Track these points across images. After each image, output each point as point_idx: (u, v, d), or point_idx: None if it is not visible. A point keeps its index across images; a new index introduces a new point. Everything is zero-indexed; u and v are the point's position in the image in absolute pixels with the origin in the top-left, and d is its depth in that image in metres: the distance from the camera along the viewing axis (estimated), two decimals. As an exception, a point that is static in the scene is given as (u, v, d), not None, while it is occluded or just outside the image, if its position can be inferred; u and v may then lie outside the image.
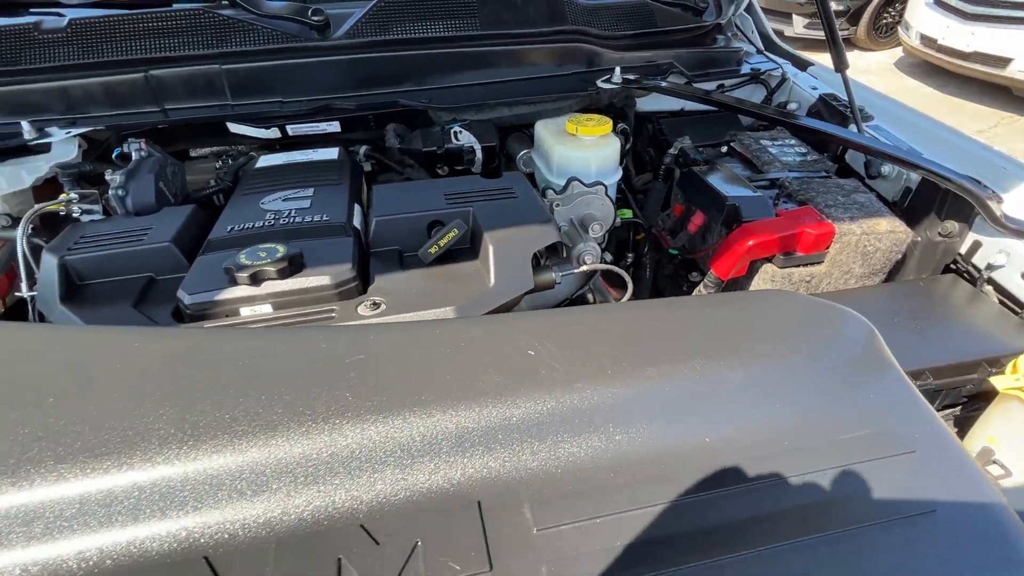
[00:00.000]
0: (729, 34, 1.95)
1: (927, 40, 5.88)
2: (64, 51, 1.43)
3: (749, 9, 2.06)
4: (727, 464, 0.51)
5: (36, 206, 1.11)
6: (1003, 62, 5.30)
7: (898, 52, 6.95)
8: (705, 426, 0.53)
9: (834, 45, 1.55)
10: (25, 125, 1.32)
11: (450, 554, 0.43)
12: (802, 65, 1.95)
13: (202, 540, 0.43)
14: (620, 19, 1.78)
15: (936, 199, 1.36)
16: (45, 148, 1.36)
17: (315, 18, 1.53)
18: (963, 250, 1.37)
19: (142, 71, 1.43)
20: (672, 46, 1.80)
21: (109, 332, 0.58)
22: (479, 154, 1.53)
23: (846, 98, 1.60)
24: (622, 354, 0.58)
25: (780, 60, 1.95)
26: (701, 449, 0.52)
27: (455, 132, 1.52)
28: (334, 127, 1.55)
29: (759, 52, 2.02)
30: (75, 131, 1.36)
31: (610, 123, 1.48)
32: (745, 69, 1.88)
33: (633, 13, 1.79)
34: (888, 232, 1.32)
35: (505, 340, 0.58)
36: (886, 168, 1.53)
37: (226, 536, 0.43)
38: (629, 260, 1.81)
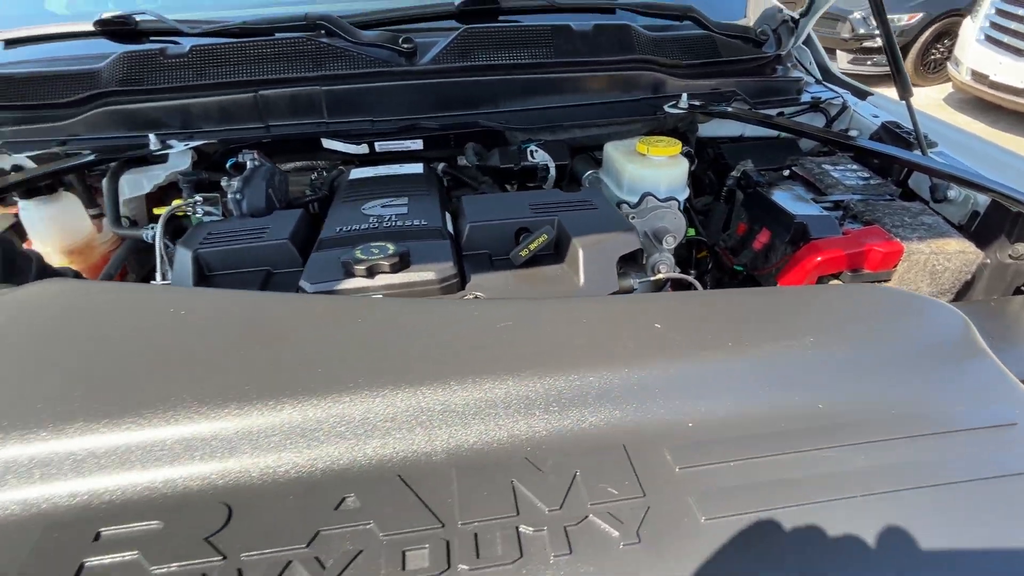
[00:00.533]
0: (789, 64, 2.02)
1: (978, 76, 5.85)
2: (185, 74, 1.60)
3: (807, 41, 2.13)
4: (838, 425, 0.56)
5: (170, 206, 1.25)
6: (1059, 99, 5.24)
7: (947, 88, 6.90)
8: (817, 394, 0.59)
9: (898, 74, 1.60)
10: (152, 138, 1.48)
11: (607, 482, 0.50)
12: (861, 95, 2.01)
13: (393, 461, 0.51)
14: (684, 49, 1.87)
15: (1007, 221, 1.38)
16: (163, 159, 1.52)
17: (405, 46, 1.67)
18: (1035, 272, 1.39)
19: (252, 91, 1.59)
20: (734, 75, 1.88)
21: (290, 298, 0.68)
22: (553, 171, 1.63)
23: (908, 126, 1.64)
24: (737, 331, 0.64)
25: (839, 90, 2.01)
26: (815, 412, 0.57)
27: (531, 151, 1.63)
28: (417, 145, 1.67)
29: (818, 82, 2.08)
30: (192, 144, 1.52)
31: (679, 144, 1.56)
32: (805, 98, 1.94)
33: (697, 44, 1.89)
34: (958, 252, 1.34)
35: (630, 315, 0.65)
36: (952, 192, 1.56)
37: (412, 459, 0.51)
38: (692, 276, 1.86)
